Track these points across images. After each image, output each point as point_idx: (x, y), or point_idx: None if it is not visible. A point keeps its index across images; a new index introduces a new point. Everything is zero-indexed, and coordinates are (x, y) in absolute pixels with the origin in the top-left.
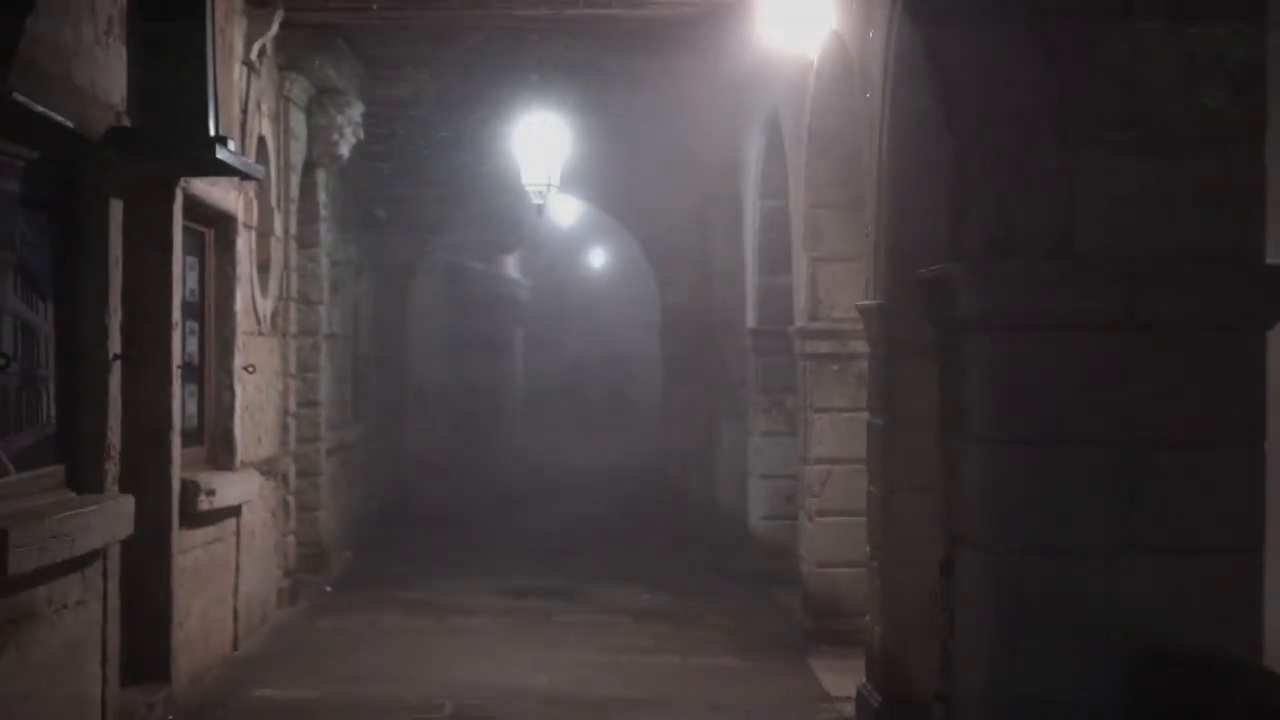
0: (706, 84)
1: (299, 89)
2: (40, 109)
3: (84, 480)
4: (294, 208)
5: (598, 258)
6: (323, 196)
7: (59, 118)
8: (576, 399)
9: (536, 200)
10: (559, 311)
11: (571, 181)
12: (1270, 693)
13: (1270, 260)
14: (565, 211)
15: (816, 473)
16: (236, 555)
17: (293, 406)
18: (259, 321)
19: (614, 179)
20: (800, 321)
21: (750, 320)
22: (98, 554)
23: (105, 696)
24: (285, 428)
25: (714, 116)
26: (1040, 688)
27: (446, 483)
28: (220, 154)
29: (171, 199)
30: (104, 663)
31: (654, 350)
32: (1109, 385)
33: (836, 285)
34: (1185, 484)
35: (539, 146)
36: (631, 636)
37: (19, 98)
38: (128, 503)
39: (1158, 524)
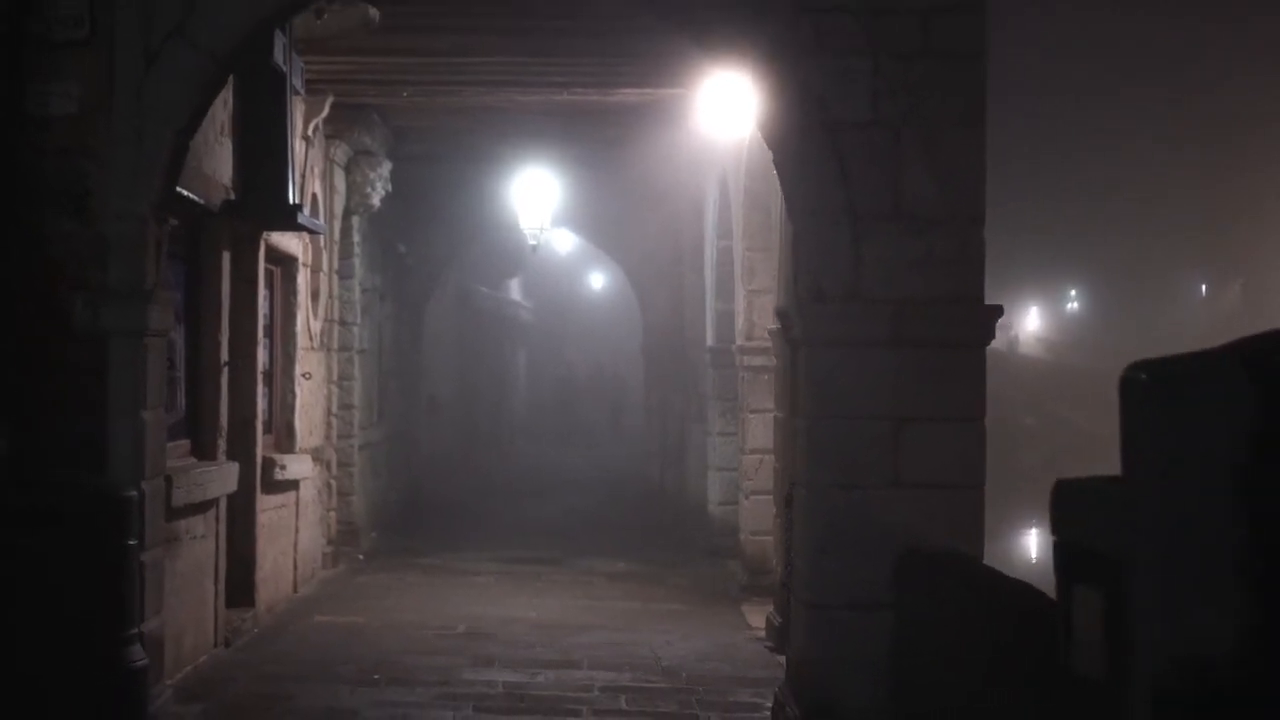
0: (675, 145)
1: (340, 152)
2: (188, 194)
3: (203, 451)
4: (336, 248)
5: (596, 281)
6: (357, 237)
7: (196, 198)
8: (573, 409)
9: (532, 241)
10: (559, 330)
11: (567, 219)
12: (978, 572)
13: (988, 302)
14: (564, 240)
15: (751, 461)
16: (296, 520)
17: (334, 407)
18: (311, 339)
19: (602, 218)
20: (739, 341)
21: (709, 339)
22: (214, 502)
23: (216, 607)
24: (329, 424)
25: (684, 169)
26: (840, 573)
27: (454, 480)
28: (300, 219)
29: (258, 248)
30: (216, 582)
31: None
32: (883, 381)
33: (765, 312)
34: (932, 444)
35: (534, 195)
36: (604, 590)
37: (179, 189)
38: (234, 467)
39: (914, 469)
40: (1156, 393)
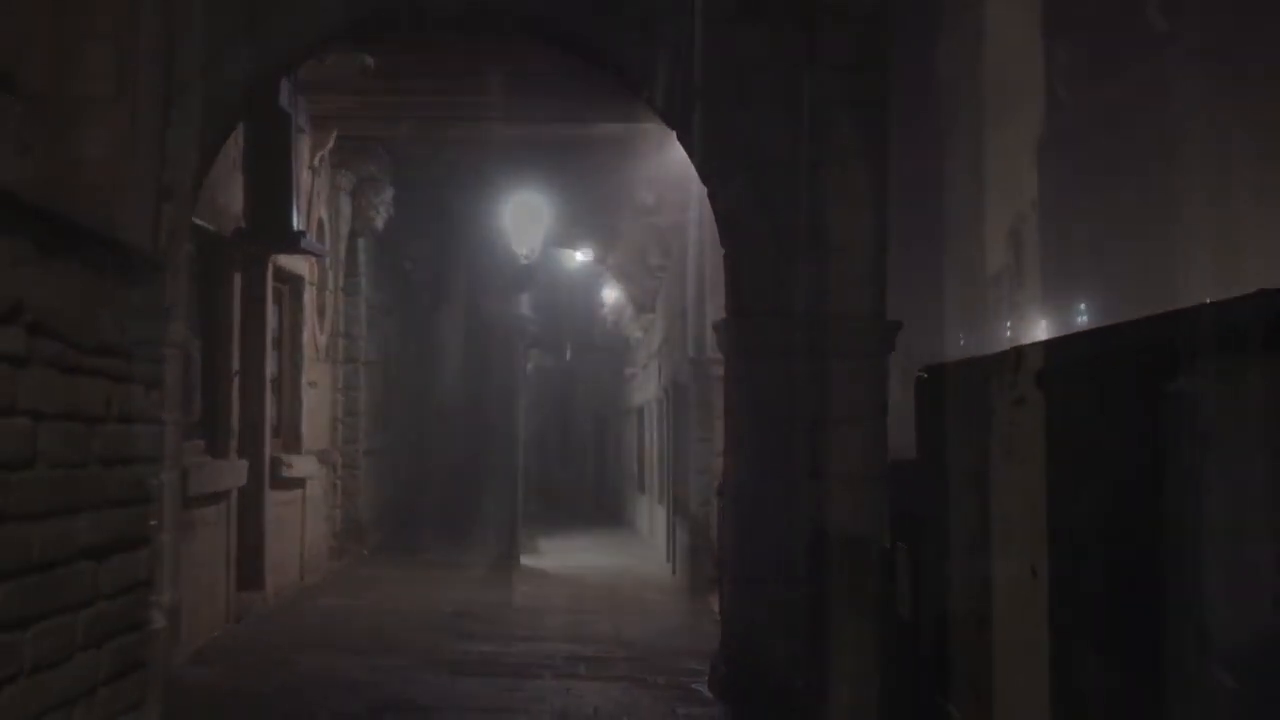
0: (663, 168)
1: (346, 179)
2: (202, 224)
3: (217, 449)
4: (342, 267)
5: (608, 296)
6: (362, 257)
7: (211, 226)
8: (579, 421)
9: (524, 260)
10: (567, 344)
11: (569, 236)
12: (884, 554)
13: (890, 318)
14: (572, 256)
15: (720, 463)
16: (303, 515)
17: (340, 414)
18: (318, 350)
19: (600, 236)
20: (708, 351)
21: (690, 351)
22: (226, 494)
23: (228, 588)
24: (335, 430)
25: (672, 191)
26: (762, 553)
27: (458, 486)
28: (303, 243)
29: (266, 269)
30: (228, 566)
31: None
32: (801, 385)
33: None
34: (842, 441)
35: (525, 218)
36: (589, 580)
37: (197, 220)
38: (244, 464)
39: (828, 463)
40: (933, 388)
